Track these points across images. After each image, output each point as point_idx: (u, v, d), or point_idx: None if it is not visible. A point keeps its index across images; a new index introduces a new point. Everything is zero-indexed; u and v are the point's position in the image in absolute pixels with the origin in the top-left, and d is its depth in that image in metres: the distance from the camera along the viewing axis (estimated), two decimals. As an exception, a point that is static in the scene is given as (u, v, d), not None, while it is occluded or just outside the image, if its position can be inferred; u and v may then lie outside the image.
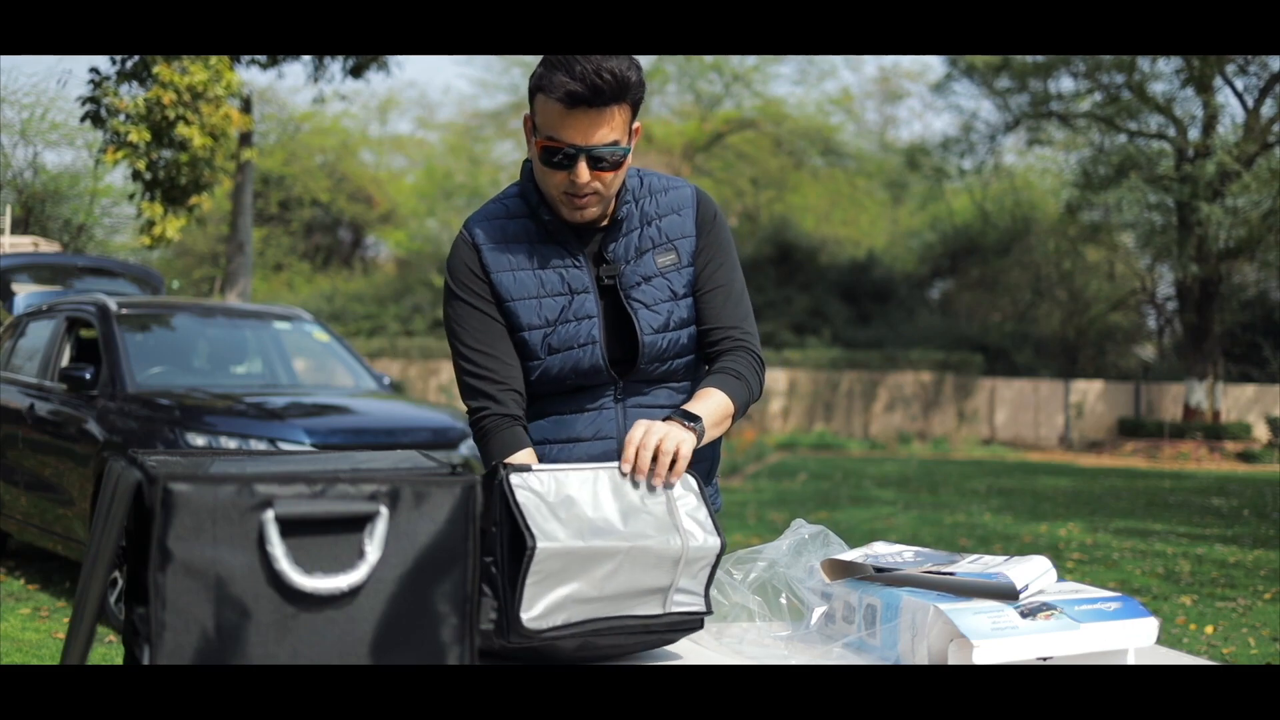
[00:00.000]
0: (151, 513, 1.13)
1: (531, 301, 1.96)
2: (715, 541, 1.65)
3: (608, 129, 1.84)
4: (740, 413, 1.97)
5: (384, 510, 1.20)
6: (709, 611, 1.67)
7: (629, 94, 1.84)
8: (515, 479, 1.56)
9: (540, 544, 1.51)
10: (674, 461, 1.68)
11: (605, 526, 1.58)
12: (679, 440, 1.69)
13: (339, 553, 1.19)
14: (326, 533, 1.18)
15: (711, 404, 1.90)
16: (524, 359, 1.98)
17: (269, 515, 1.15)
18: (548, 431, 2.00)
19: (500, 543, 1.55)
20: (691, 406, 1.86)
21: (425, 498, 1.23)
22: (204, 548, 1.13)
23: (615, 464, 1.67)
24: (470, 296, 1.98)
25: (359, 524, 1.20)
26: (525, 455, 1.93)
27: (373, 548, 1.19)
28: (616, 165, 1.89)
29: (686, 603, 1.65)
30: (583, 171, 1.86)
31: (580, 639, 1.58)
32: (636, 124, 1.95)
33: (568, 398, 2.00)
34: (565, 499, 1.58)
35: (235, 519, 1.15)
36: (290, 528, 1.16)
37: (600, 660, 1.64)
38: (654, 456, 1.67)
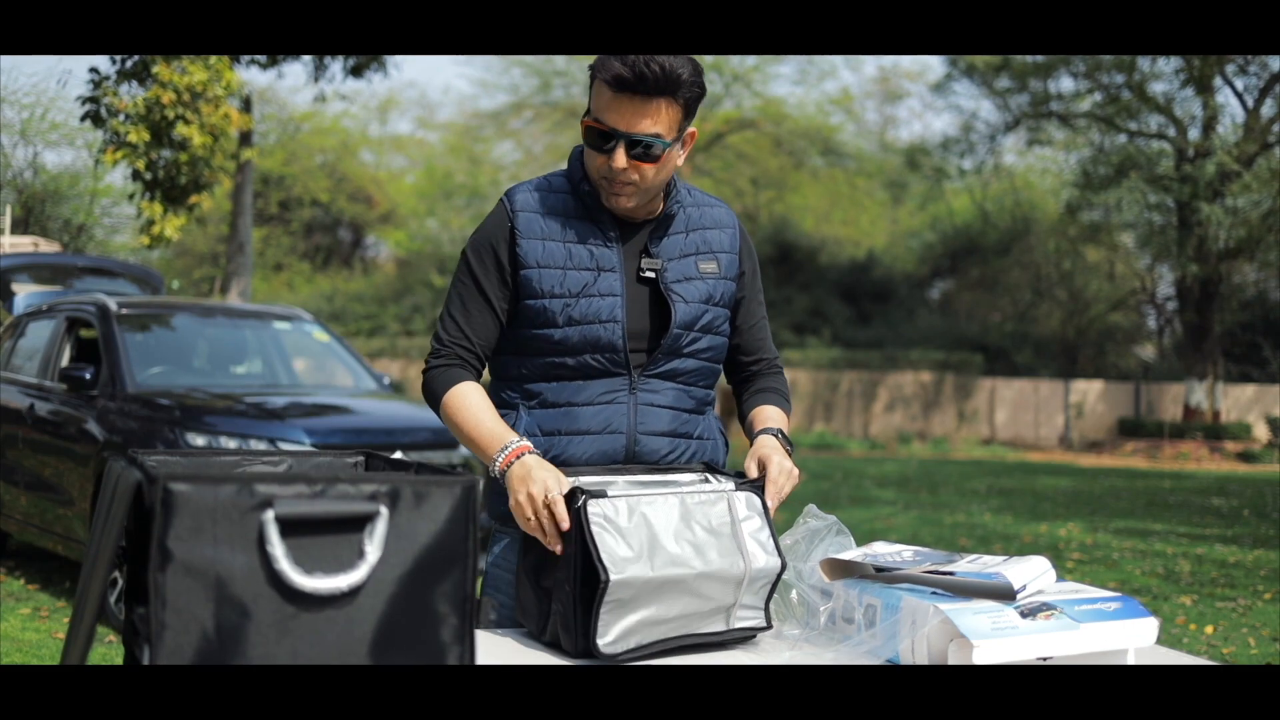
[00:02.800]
0: (151, 513, 1.13)
1: (556, 271, 1.97)
2: (776, 562, 1.74)
3: (651, 120, 1.87)
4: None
5: (384, 510, 1.20)
6: (769, 626, 1.76)
7: (678, 89, 1.86)
8: (593, 506, 1.65)
9: (614, 576, 1.60)
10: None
11: (675, 553, 1.66)
12: (794, 476, 1.91)
13: (339, 553, 1.19)
14: (326, 533, 1.18)
15: (783, 417, 2.11)
16: (540, 327, 1.97)
17: (269, 515, 1.15)
18: (559, 422, 1.99)
19: (574, 567, 1.64)
20: (782, 428, 2.06)
21: (425, 498, 1.23)
22: (204, 548, 1.13)
23: (682, 487, 1.79)
24: (481, 273, 2.01)
25: (359, 524, 1.20)
26: (467, 389, 1.97)
27: (373, 548, 1.19)
28: (654, 158, 1.90)
29: (748, 618, 1.74)
30: (619, 157, 1.88)
31: (649, 655, 1.66)
32: (692, 129, 1.97)
33: (580, 388, 1.99)
34: (639, 522, 1.67)
35: (235, 519, 1.15)
36: (290, 528, 1.16)
37: None
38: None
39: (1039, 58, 24.18)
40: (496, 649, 1.65)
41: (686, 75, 1.86)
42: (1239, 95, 24.47)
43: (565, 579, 1.66)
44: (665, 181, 1.98)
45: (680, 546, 1.67)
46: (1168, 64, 24.14)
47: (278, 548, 1.15)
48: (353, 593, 1.19)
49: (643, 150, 1.88)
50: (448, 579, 1.24)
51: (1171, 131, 24.78)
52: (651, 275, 1.99)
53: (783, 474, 1.89)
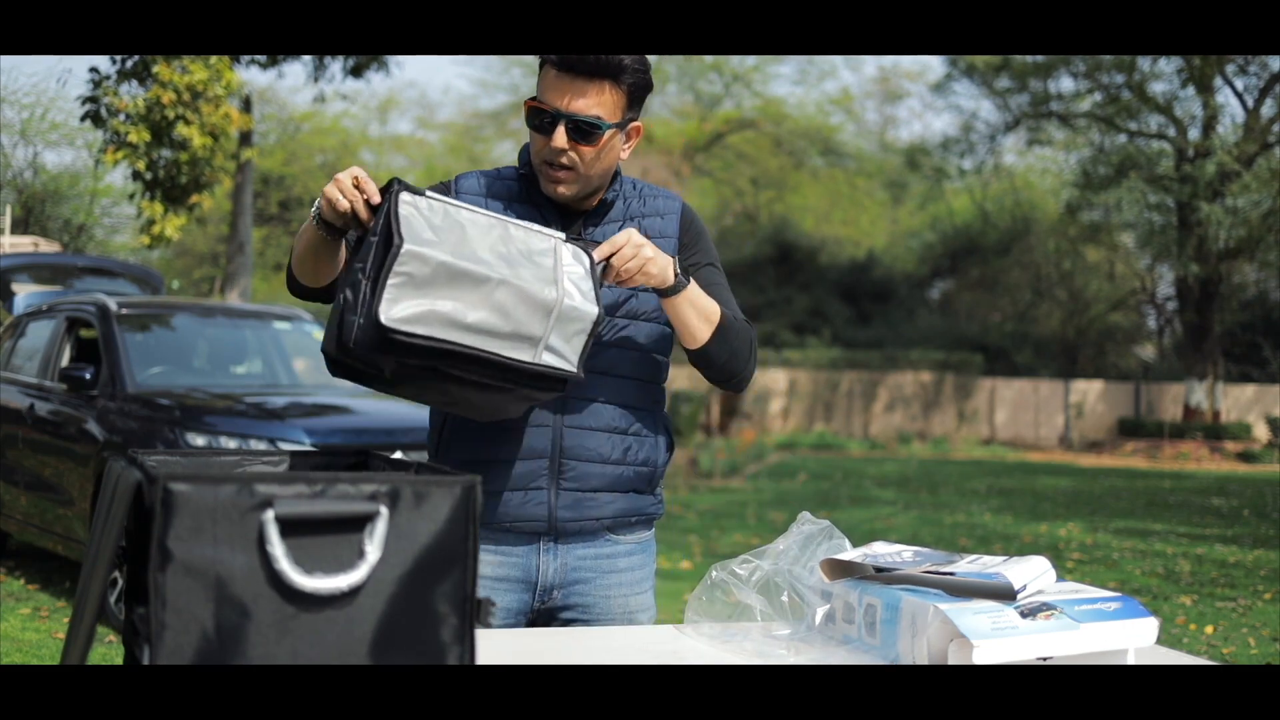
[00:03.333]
0: (151, 513, 1.13)
1: None
2: (593, 309, 1.67)
3: (592, 100, 1.89)
4: (724, 338, 1.96)
5: (384, 510, 1.20)
6: (580, 375, 1.69)
7: (620, 73, 1.89)
8: (406, 196, 1.58)
9: (408, 245, 1.52)
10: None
11: (483, 256, 1.58)
12: (650, 259, 1.80)
13: (339, 553, 1.19)
14: (326, 533, 1.18)
15: (706, 295, 1.94)
16: None
17: (269, 515, 1.15)
18: (477, 450, 1.95)
19: (375, 250, 1.56)
20: (694, 282, 1.92)
21: (425, 498, 1.22)
22: (204, 548, 1.13)
23: (516, 221, 1.71)
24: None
25: (359, 524, 1.20)
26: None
27: (373, 548, 1.19)
28: (594, 140, 1.90)
29: (555, 362, 1.66)
30: (559, 136, 1.89)
31: (434, 358, 1.58)
32: (637, 122, 1.97)
33: None
34: (453, 224, 1.60)
35: (235, 519, 1.14)
36: (290, 528, 1.16)
37: (448, 387, 1.66)
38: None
39: (1039, 58, 24.19)
40: (497, 649, 1.65)
41: (629, 61, 1.89)
42: (1239, 95, 24.48)
43: (361, 268, 1.57)
44: (606, 171, 1.98)
45: (490, 255, 1.60)
46: (1168, 64, 24.16)
47: (278, 547, 1.15)
48: (353, 593, 1.19)
49: (582, 130, 1.89)
50: (448, 579, 1.24)
51: (1171, 131, 24.79)
52: None
53: (630, 242, 1.81)
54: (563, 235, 1.74)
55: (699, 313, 1.92)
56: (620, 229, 1.99)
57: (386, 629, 1.21)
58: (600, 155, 1.93)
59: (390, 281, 1.52)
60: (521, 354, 1.62)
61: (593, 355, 1.93)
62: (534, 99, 1.92)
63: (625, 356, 1.99)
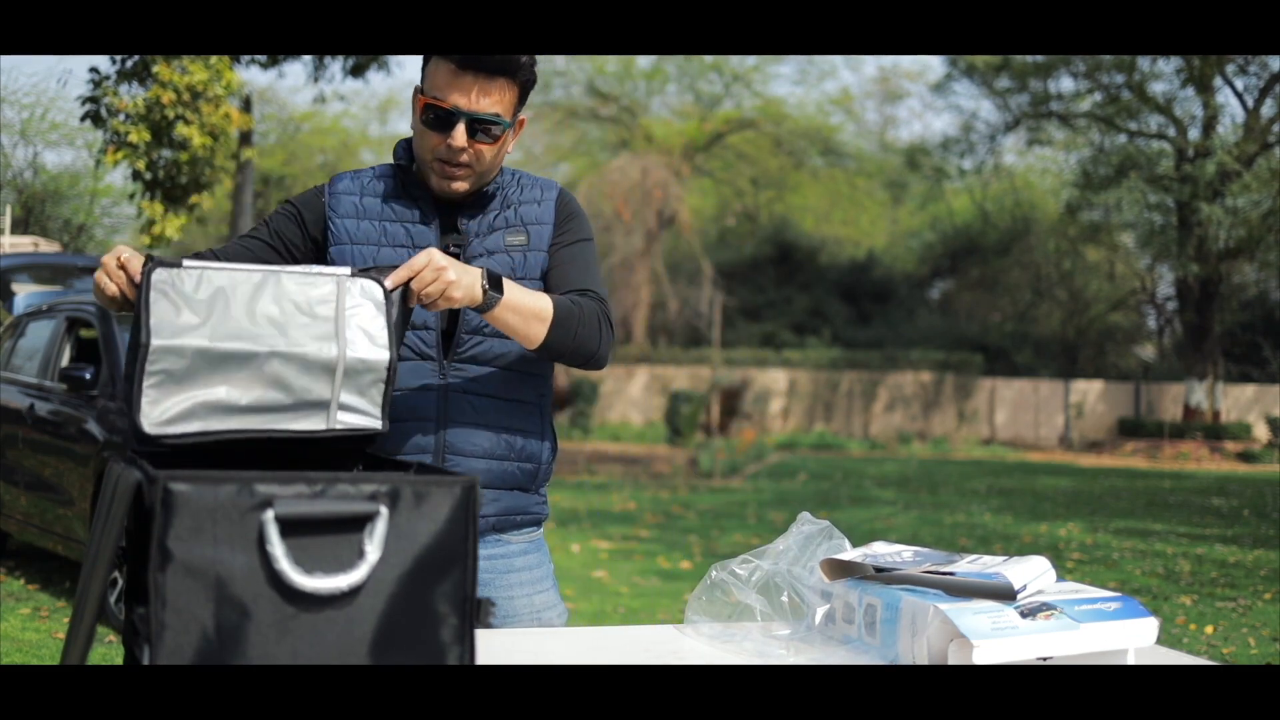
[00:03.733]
0: (151, 513, 1.13)
1: (369, 248, 1.96)
2: (383, 355, 1.53)
3: (493, 99, 1.89)
4: (561, 331, 1.88)
5: (384, 510, 1.20)
6: (383, 428, 1.55)
7: (516, 70, 1.90)
8: (159, 275, 1.44)
9: (155, 341, 1.39)
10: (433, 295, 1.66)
11: (245, 327, 1.45)
12: (453, 282, 1.66)
13: (339, 552, 1.19)
14: (326, 533, 1.18)
15: (530, 295, 1.85)
16: None
17: (269, 515, 1.15)
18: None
19: (136, 341, 1.43)
20: (512, 285, 1.81)
21: (425, 498, 1.23)
22: (204, 548, 1.13)
23: (291, 269, 1.54)
24: (281, 220, 2.00)
25: (359, 524, 1.20)
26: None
27: (373, 547, 1.19)
28: (494, 138, 1.91)
29: (353, 421, 1.52)
30: (459, 135, 1.88)
31: (222, 445, 1.45)
32: (523, 116, 1.99)
33: None
34: (214, 294, 1.45)
35: (235, 519, 1.15)
36: (290, 527, 1.16)
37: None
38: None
39: (1039, 58, 24.20)
40: (497, 649, 1.65)
41: (524, 59, 1.90)
42: (1239, 95, 24.48)
43: (129, 363, 1.43)
44: (497, 166, 1.99)
45: (255, 322, 1.45)
46: (1168, 64, 24.17)
47: (278, 548, 1.15)
48: (353, 593, 1.19)
49: (484, 129, 1.89)
50: (448, 579, 1.24)
51: (1171, 131, 24.80)
52: (456, 252, 1.95)
53: (430, 264, 1.66)
54: (347, 271, 1.57)
55: (525, 316, 1.83)
56: (499, 218, 2.00)
57: (386, 629, 1.21)
58: (496, 152, 1.94)
59: (146, 384, 1.40)
60: (313, 423, 1.50)
61: (473, 346, 1.93)
62: (430, 96, 1.90)
63: (506, 346, 1.96)
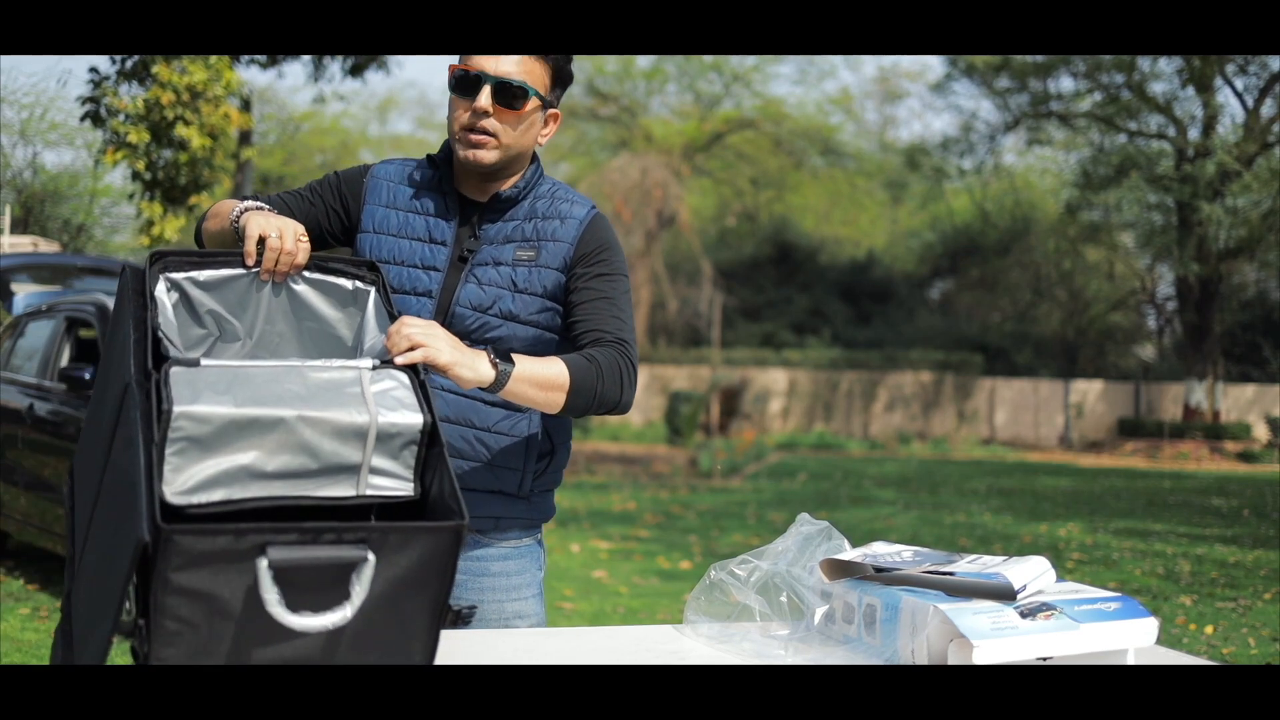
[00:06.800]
0: (154, 558, 1.20)
1: (386, 238, 1.98)
2: (418, 418, 1.45)
3: (521, 69, 1.91)
4: (581, 396, 1.83)
5: (371, 557, 1.25)
6: (415, 494, 1.47)
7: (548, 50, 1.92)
8: (176, 371, 1.40)
9: (178, 408, 1.33)
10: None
11: (272, 392, 1.40)
12: (438, 352, 1.59)
13: (327, 589, 1.25)
14: (316, 574, 1.25)
15: (543, 364, 1.79)
16: None
17: (263, 563, 1.21)
18: None
19: (150, 418, 1.37)
20: (522, 357, 1.77)
21: (411, 543, 1.29)
22: (201, 583, 1.21)
23: (314, 362, 1.50)
24: (324, 187, 2.04)
25: (347, 569, 1.26)
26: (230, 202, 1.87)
27: (359, 589, 1.25)
28: (518, 106, 1.92)
29: (386, 485, 1.45)
30: (483, 96, 1.90)
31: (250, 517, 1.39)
32: (556, 109, 2.00)
33: None
34: (238, 379, 1.41)
35: (231, 561, 1.21)
36: (282, 572, 1.23)
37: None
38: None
39: (1039, 58, 24.19)
40: (497, 649, 1.65)
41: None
42: (1239, 95, 24.47)
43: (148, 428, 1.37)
44: (525, 150, 1.99)
45: (281, 390, 1.41)
46: (1168, 64, 24.15)
47: (271, 593, 1.21)
48: (338, 630, 1.27)
49: (508, 92, 1.90)
50: (424, 594, 1.31)
51: (1171, 131, 24.78)
52: (468, 255, 1.97)
53: (419, 325, 1.60)
54: (369, 364, 1.53)
55: (541, 386, 1.79)
56: (516, 229, 1.99)
57: (364, 637, 1.29)
58: (522, 126, 1.95)
59: (169, 451, 1.33)
60: (342, 489, 1.43)
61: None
62: (459, 64, 1.93)
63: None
